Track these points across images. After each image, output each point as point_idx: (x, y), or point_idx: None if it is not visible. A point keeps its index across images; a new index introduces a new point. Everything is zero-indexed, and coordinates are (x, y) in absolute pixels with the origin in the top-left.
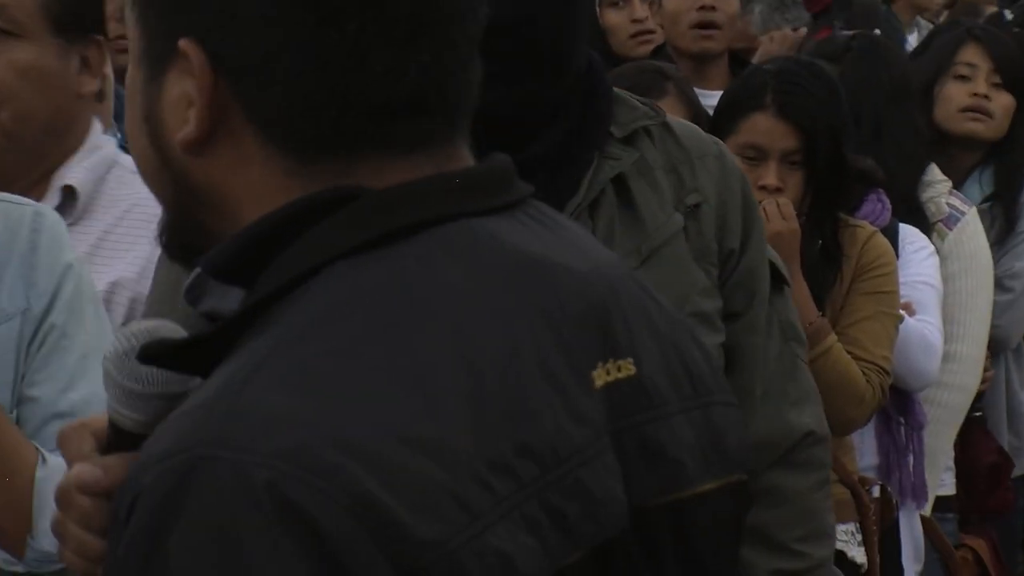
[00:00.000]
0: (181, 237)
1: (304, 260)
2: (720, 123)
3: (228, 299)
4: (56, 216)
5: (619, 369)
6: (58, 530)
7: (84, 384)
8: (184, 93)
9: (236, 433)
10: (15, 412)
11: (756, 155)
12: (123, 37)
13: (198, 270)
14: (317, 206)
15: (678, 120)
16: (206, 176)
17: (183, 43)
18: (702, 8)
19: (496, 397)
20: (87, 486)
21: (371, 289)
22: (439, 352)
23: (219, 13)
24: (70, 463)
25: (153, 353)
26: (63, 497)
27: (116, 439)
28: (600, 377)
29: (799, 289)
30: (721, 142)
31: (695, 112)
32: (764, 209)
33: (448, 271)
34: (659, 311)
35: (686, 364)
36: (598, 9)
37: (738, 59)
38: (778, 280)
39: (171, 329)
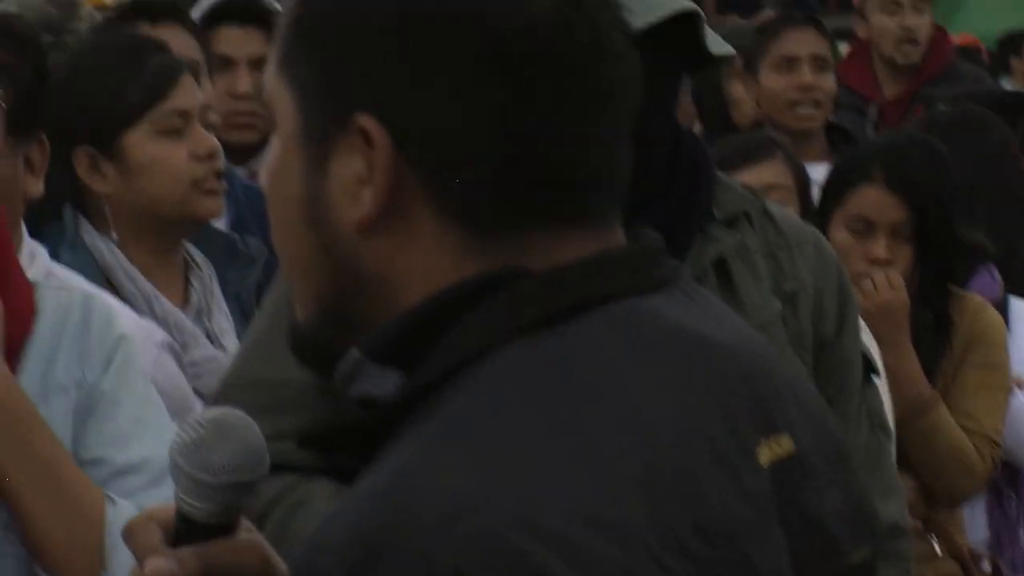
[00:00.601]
0: (324, 334)
1: (472, 342)
2: (828, 196)
3: (384, 383)
4: (105, 296)
5: (780, 445)
6: None
7: (139, 445)
8: (356, 171)
9: (418, 519)
10: None
11: (865, 228)
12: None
13: (354, 354)
14: (483, 287)
15: (777, 206)
16: (375, 257)
17: (363, 120)
18: (802, 88)
19: (669, 476)
20: None
21: (543, 370)
22: (612, 432)
23: (401, 87)
24: (139, 556)
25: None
26: None
27: (186, 531)
28: (764, 454)
29: (909, 361)
30: (817, 230)
31: (801, 179)
32: (873, 281)
33: (616, 350)
34: (799, 382)
35: (827, 433)
36: (725, 80)
37: (837, 130)
38: (868, 369)
39: (239, 416)
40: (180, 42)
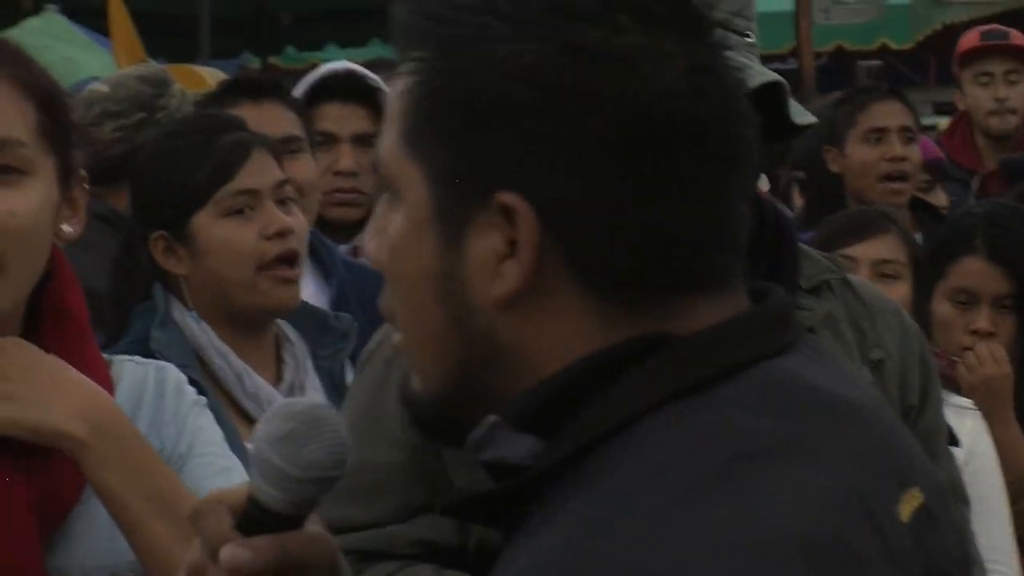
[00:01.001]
0: (450, 406)
1: (621, 410)
2: (930, 268)
3: (518, 447)
4: (176, 369)
5: (914, 497)
6: None
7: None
8: (494, 248)
9: None
10: None
11: (967, 299)
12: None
13: (491, 420)
14: (628, 354)
15: (856, 276)
16: (511, 330)
17: (506, 197)
18: (892, 159)
19: (828, 545)
20: (237, 567)
21: (698, 438)
22: (773, 500)
23: (542, 163)
24: (207, 539)
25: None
26: (195, 570)
27: (260, 518)
28: (904, 509)
29: (1013, 435)
30: (896, 301)
31: (915, 254)
32: (976, 353)
33: (764, 416)
34: (908, 434)
35: (935, 476)
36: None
37: (922, 204)
38: (948, 441)
39: (329, 411)
40: (281, 119)
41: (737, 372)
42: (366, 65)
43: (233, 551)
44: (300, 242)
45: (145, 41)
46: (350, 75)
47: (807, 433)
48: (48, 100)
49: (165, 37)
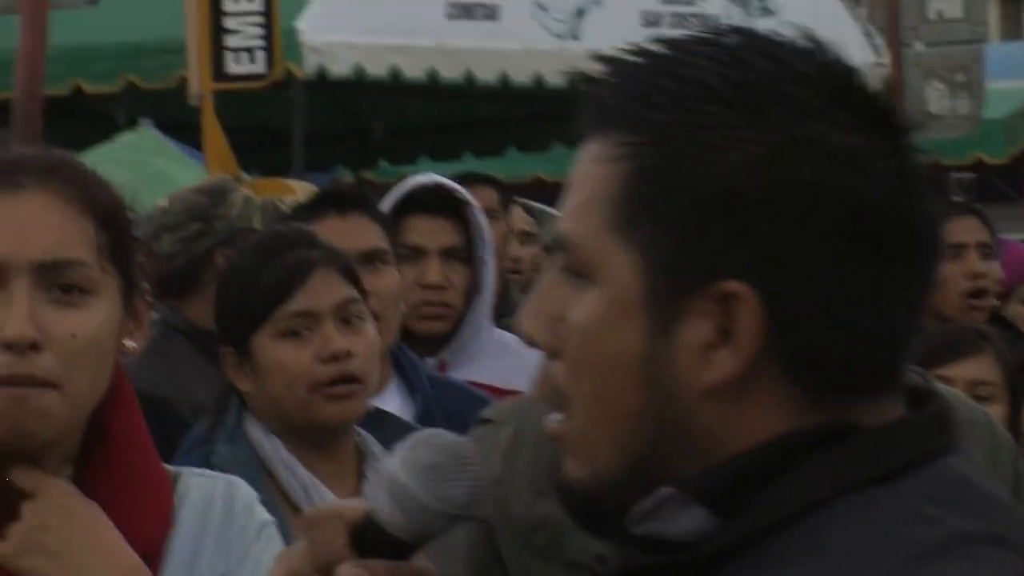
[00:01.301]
0: (617, 493)
1: (811, 492)
2: (1019, 382)
3: (680, 524)
4: (247, 485)
5: None
6: None
7: None
8: (706, 335)
9: None
10: None
11: None
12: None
13: (666, 492)
14: (816, 440)
15: (944, 387)
16: (711, 416)
17: (733, 286)
18: (971, 276)
19: None
20: None
21: (893, 526)
22: None
23: (769, 255)
24: (318, 551)
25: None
26: None
27: (378, 541)
28: None
29: None
30: (990, 412)
31: (1010, 375)
32: None
33: (952, 507)
34: None
35: None
36: None
37: (1000, 320)
38: None
39: (474, 450)
40: (366, 231)
41: (919, 467)
42: (455, 178)
43: (351, 571)
44: (365, 360)
45: (238, 155)
46: (438, 188)
47: (993, 525)
48: (109, 216)
49: (258, 151)
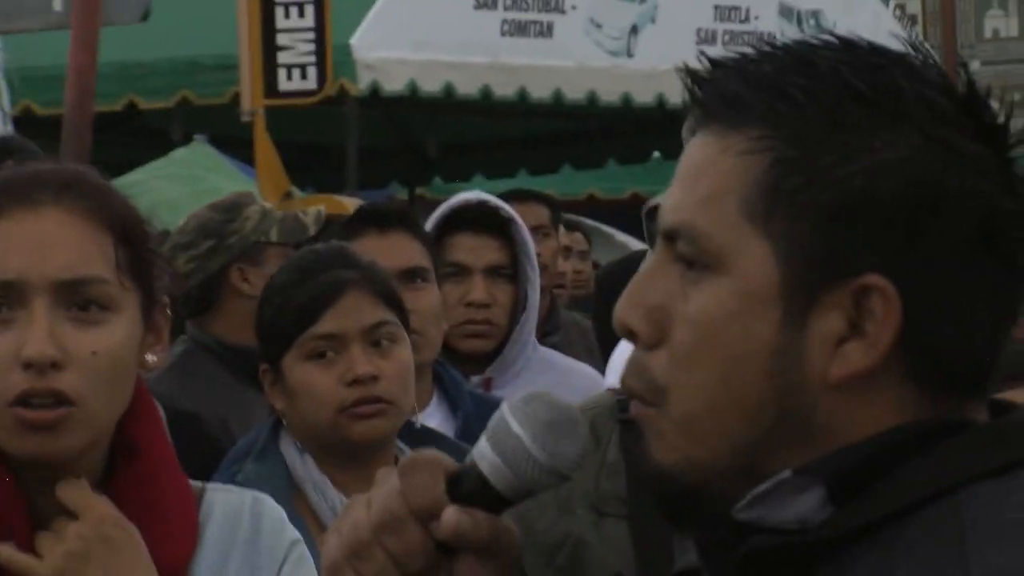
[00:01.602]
0: (714, 482)
1: (933, 480)
2: None
3: (786, 510)
4: (273, 502)
5: None
6: (359, 544)
7: None
8: (838, 328)
9: None
10: None
11: None
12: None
13: (785, 476)
14: (933, 433)
15: None
16: (832, 410)
17: (877, 280)
18: None
19: None
20: (458, 532)
21: (1014, 513)
22: None
23: (908, 252)
24: (415, 494)
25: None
26: (391, 522)
27: (477, 492)
28: None
29: None
30: None
31: None
32: None
33: None
34: None
35: None
36: None
37: None
38: None
39: (572, 405)
40: (407, 249)
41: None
42: (505, 195)
43: (458, 515)
44: (394, 383)
45: (292, 171)
46: (482, 205)
47: None
48: (127, 231)
49: (312, 167)
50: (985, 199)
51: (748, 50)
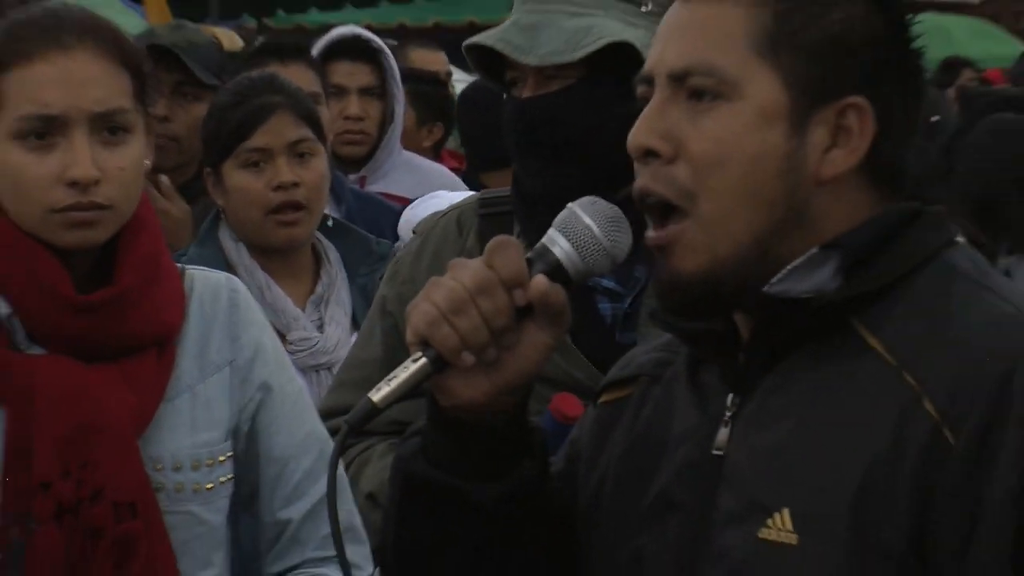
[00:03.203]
0: (741, 267)
1: (922, 250)
2: None
3: (804, 282)
4: (242, 283)
5: None
6: (457, 302)
7: (306, 423)
8: (824, 139)
9: None
10: (231, 452)
11: None
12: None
13: (813, 252)
14: (911, 215)
15: None
16: (818, 203)
17: (859, 100)
18: None
19: None
20: (544, 296)
21: (968, 267)
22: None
23: (880, 80)
24: (504, 266)
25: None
26: (486, 286)
27: (551, 273)
28: None
29: None
30: None
31: None
32: None
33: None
34: None
35: None
36: None
37: None
38: None
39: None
40: (304, 77)
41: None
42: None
43: (546, 282)
44: (311, 189)
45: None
46: (356, 38)
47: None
48: (138, 66)
49: (180, 3)
50: (912, 39)
51: None
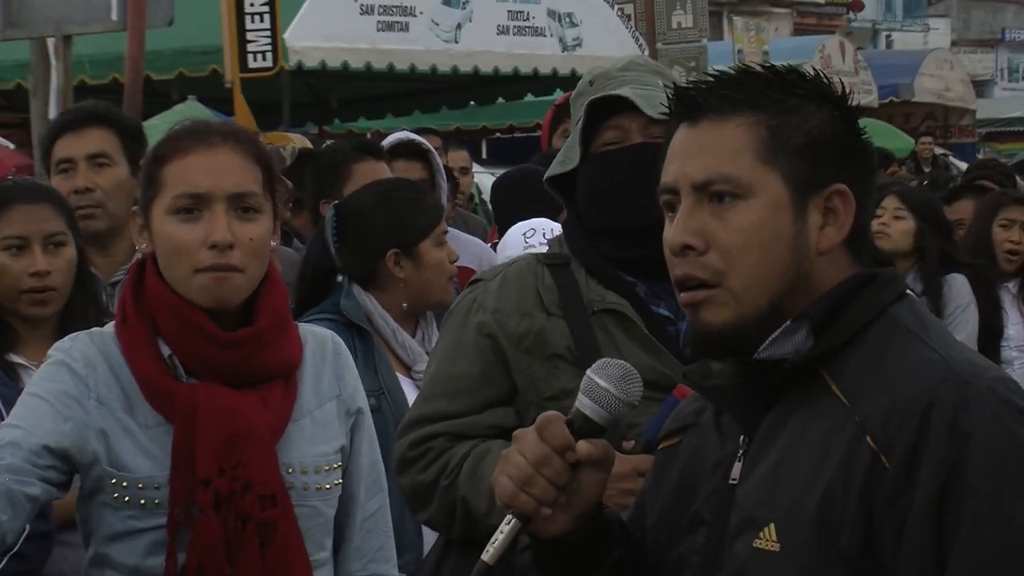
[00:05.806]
0: (760, 322)
1: (873, 309)
2: None
3: (785, 346)
4: (339, 338)
5: None
6: (526, 477)
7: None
8: (818, 220)
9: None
10: (341, 463)
11: None
12: None
13: (787, 323)
14: (865, 280)
15: None
16: (818, 270)
17: (842, 187)
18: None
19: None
20: (591, 456)
21: (910, 319)
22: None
23: (853, 171)
24: (553, 439)
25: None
26: (544, 459)
27: (586, 429)
28: None
29: None
30: None
31: None
32: None
33: (927, 312)
34: None
35: None
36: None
37: None
38: None
39: (628, 364)
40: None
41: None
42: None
43: (588, 445)
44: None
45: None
46: (410, 142)
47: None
48: (266, 163)
49: (264, 115)
50: (860, 138)
51: (716, 73)
